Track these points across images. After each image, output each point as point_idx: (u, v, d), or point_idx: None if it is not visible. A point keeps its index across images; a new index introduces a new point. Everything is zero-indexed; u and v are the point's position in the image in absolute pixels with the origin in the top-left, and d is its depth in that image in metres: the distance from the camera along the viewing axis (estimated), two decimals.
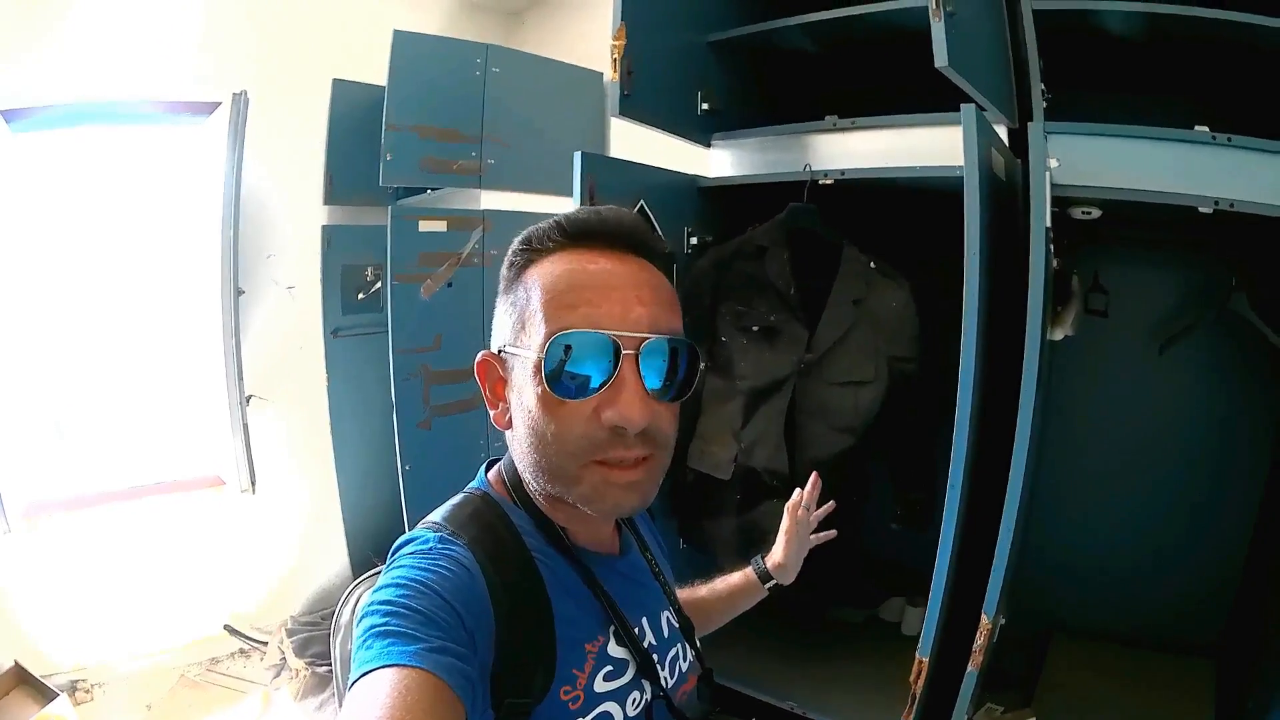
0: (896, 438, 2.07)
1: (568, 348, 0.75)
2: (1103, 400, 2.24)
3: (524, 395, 0.78)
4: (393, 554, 0.78)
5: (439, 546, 0.75)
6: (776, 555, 1.29)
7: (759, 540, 1.97)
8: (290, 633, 3.35)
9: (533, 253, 0.82)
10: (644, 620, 0.91)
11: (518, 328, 0.80)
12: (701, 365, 0.82)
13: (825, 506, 1.34)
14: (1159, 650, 2.13)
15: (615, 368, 0.75)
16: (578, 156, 1.82)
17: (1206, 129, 1.53)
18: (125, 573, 3.23)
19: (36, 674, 2.86)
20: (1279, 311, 1.93)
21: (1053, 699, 1.97)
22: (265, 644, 3.40)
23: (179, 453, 3.57)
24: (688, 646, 0.98)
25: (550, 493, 0.81)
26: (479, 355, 0.84)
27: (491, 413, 0.85)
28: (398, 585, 0.70)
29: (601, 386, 0.75)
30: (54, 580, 3.08)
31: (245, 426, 3.30)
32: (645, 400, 0.76)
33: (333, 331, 3.51)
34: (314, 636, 3.31)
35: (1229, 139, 1.51)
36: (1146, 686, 2.01)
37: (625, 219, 0.83)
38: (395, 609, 0.67)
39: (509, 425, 0.83)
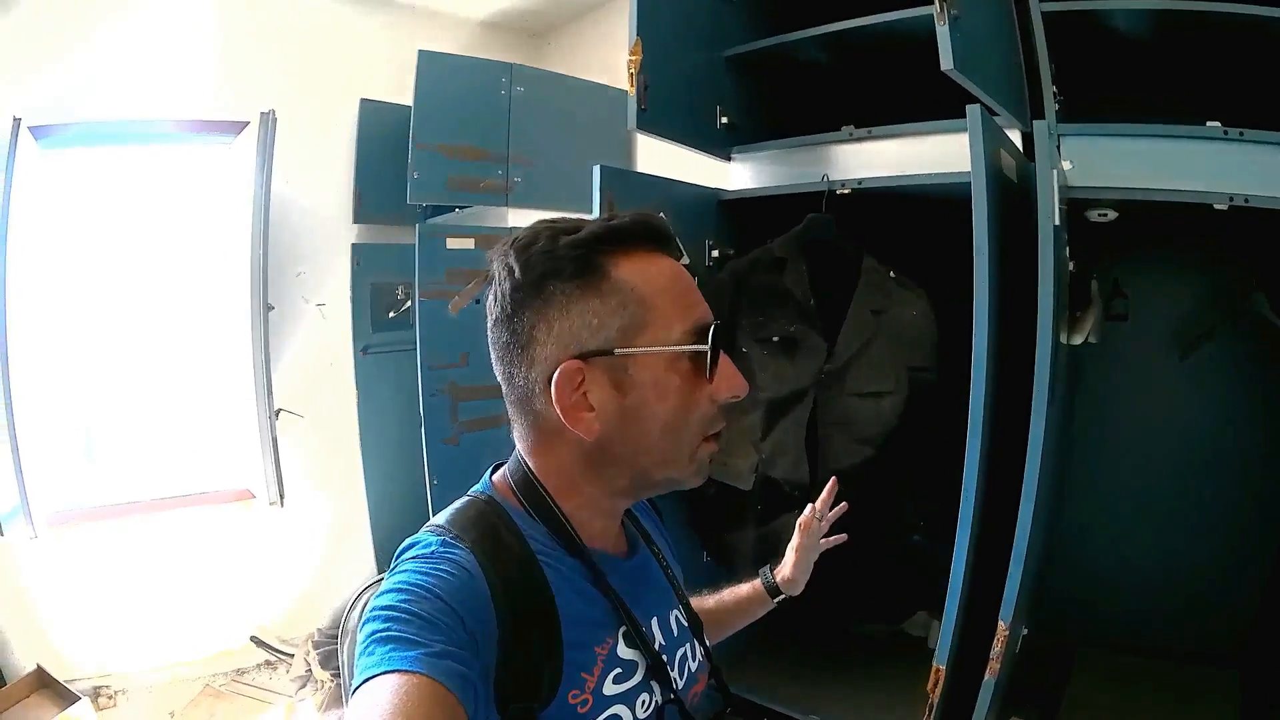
0: (918, 448, 2.06)
1: (713, 336, 0.80)
2: (1128, 410, 2.20)
3: (659, 388, 0.79)
4: (396, 558, 0.79)
5: (441, 550, 0.76)
6: (785, 569, 1.28)
7: (781, 552, 1.97)
8: (316, 645, 3.37)
9: (612, 252, 0.80)
10: (653, 621, 0.90)
11: (630, 328, 0.79)
12: None
13: (838, 508, 1.32)
14: (1183, 661, 2.08)
15: (719, 352, 0.81)
16: (596, 170, 1.84)
17: (1219, 124, 1.52)
18: (153, 582, 3.28)
19: (60, 679, 2.90)
20: None
21: (1079, 714, 1.94)
22: (291, 656, 3.43)
23: (209, 466, 3.63)
24: (697, 644, 0.97)
25: (656, 479, 0.84)
26: (562, 365, 0.78)
27: (578, 422, 0.79)
28: (399, 590, 0.70)
29: (716, 367, 0.81)
30: (81, 587, 3.13)
31: (275, 441, 3.34)
32: None
33: (363, 349, 3.56)
34: None
35: (1241, 134, 1.50)
36: (1171, 699, 1.97)
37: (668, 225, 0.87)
38: (396, 614, 0.68)
39: (597, 431, 0.80)
